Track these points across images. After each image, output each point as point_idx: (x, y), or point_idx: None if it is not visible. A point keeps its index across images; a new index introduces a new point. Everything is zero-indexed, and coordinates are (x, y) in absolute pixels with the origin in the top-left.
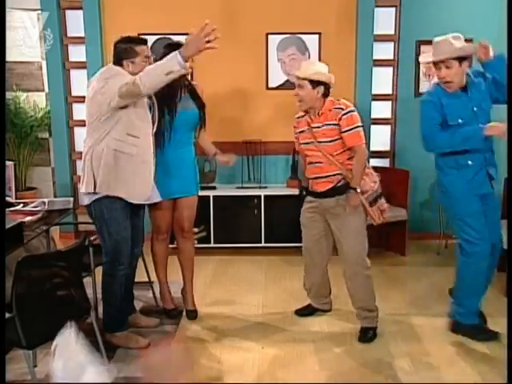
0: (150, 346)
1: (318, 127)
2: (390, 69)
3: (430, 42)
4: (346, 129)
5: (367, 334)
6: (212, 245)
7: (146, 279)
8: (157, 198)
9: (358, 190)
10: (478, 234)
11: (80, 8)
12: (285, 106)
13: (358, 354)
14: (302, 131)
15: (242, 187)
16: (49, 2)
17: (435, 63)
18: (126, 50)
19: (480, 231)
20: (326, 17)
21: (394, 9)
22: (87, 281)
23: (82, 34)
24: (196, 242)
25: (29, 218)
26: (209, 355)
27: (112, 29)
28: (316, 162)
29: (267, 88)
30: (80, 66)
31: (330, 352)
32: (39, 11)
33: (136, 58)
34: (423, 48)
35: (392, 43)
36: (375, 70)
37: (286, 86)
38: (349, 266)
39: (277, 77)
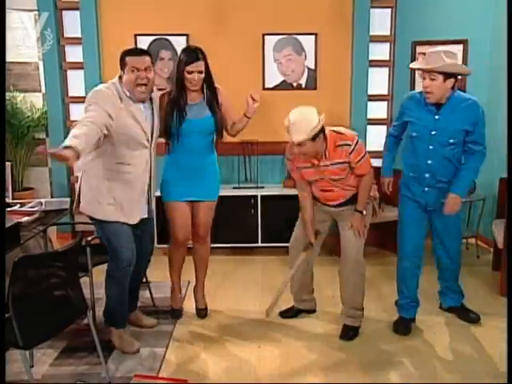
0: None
1: (327, 166)
2: (386, 69)
3: (425, 43)
4: (356, 161)
5: (349, 333)
6: (212, 244)
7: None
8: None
9: (364, 213)
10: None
11: (77, 9)
12: (281, 106)
13: (352, 350)
14: (305, 167)
15: (239, 187)
16: (45, 2)
17: (423, 71)
18: (120, 61)
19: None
20: (322, 17)
21: (389, 10)
22: (84, 281)
23: (79, 35)
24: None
25: (26, 219)
26: (206, 354)
27: (109, 29)
28: (327, 191)
29: (264, 88)
30: (77, 66)
31: (329, 351)
32: (36, 12)
33: (125, 69)
34: (419, 48)
35: (388, 44)
36: (371, 70)
37: (283, 86)
38: (349, 263)
39: (273, 77)
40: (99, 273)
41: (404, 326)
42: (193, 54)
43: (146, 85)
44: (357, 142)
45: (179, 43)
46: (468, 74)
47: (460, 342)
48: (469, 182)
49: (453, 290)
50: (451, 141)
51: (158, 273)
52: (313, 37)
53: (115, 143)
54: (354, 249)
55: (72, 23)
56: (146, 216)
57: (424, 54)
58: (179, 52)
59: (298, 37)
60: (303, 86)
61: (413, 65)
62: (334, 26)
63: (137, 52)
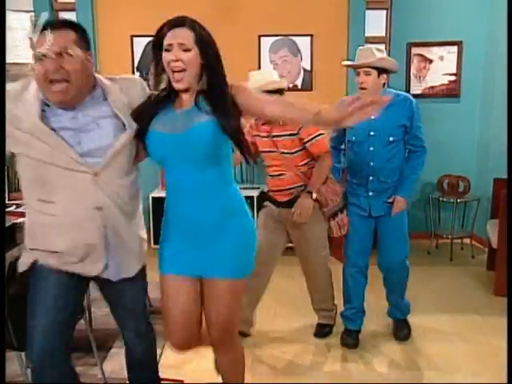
0: None
1: (279, 136)
2: None
3: (421, 44)
4: (308, 138)
5: (324, 330)
6: None
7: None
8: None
9: (314, 196)
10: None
11: (73, 10)
12: None
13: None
14: (260, 136)
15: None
16: (42, 3)
17: (355, 68)
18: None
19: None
20: (318, 19)
21: (384, 11)
22: None
23: None
24: None
25: (22, 219)
26: (202, 354)
27: (105, 30)
28: (278, 175)
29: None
30: None
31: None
32: (32, 13)
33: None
34: (414, 50)
35: (383, 45)
36: None
37: None
38: (312, 272)
39: None
40: None
41: (352, 338)
42: (173, 20)
43: (64, 81)
44: None
45: None
46: (397, 70)
47: (453, 343)
48: (412, 181)
49: (394, 305)
50: (391, 139)
51: (153, 273)
52: (308, 38)
53: (35, 167)
54: (313, 257)
55: None
56: (124, 276)
57: (420, 55)
58: None
59: (294, 38)
60: (299, 87)
61: (346, 62)
62: (329, 27)
63: (52, 26)
